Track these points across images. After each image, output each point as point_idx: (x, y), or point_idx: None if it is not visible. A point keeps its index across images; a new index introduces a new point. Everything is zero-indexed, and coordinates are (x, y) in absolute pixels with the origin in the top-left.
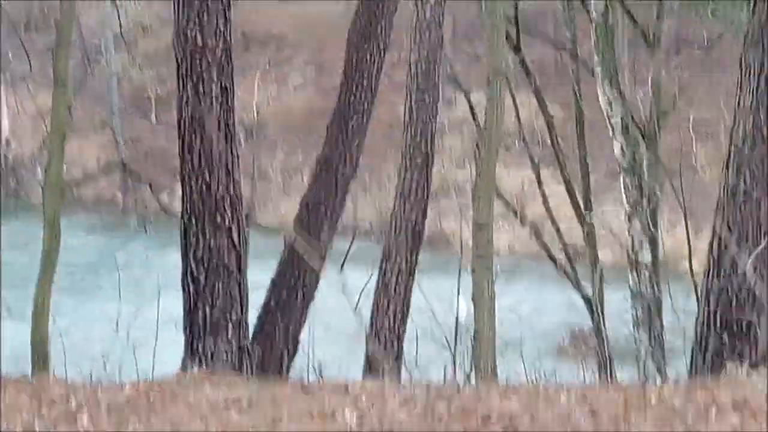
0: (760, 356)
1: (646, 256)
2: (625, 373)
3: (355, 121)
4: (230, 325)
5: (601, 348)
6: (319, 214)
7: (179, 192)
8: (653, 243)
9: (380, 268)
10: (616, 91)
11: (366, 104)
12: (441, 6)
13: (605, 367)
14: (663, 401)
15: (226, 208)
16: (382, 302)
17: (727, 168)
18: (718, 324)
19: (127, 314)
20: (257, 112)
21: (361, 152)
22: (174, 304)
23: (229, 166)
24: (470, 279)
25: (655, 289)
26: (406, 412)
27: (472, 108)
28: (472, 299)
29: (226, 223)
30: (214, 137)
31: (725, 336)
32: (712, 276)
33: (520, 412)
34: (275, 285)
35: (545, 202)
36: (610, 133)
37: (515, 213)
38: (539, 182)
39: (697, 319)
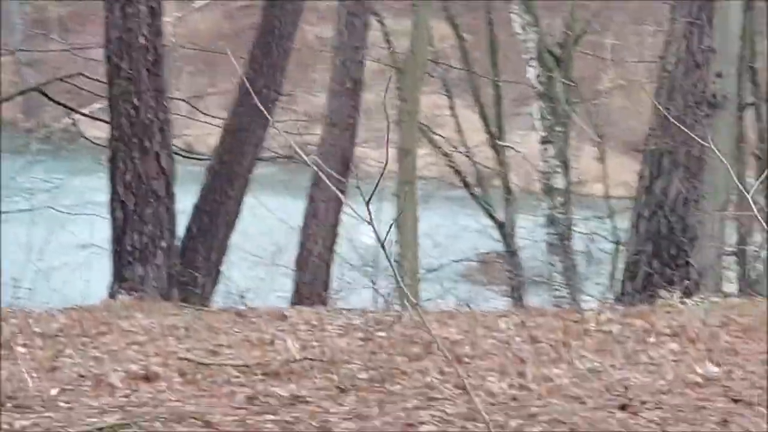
0: (693, 284)
1: (559, 182)
2: (536, 298)
3: (279, 44)
4: (159, 252)
5: (515, 273)
6: (242, 138)
7: (92, 115)
8: (566, 168)
9: (309, 195)
10: (531, 16)
11: (290, 27)
12: None
13: (518, 291)
14: (601, 328)
15: (155, 132)
16: (312, 229)
17: (659, 94)
18: (649, 251)
19: (39, 240)
20: (169, 35)
21: (284, 76)
22: (88, 230)
23: (158, 91)
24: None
25: (568, 214)
26: (347, 340)
27: (387, 34)
28: (396, 224)
29: (155, 148)
30: (143, 60)
31: (655, 263)
32: (643, 203)
33: (460, 338)
34: (197, 211)
35: (458, 127)
36: (525, 59)
37: (429, 139)
38: (452, 108)
39: (626, 245)
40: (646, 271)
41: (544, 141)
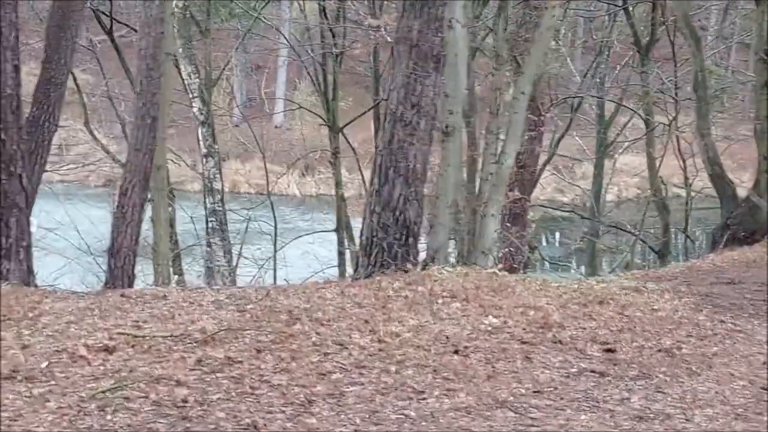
0: (429, 258)
1: (218, 185)
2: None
3: (56, 89)
4: (21, 250)
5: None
6: (31, 161)
7: None
8: (221, 174)
9: (118, 203)
10: (194, 66)
11: (63, 78)
12: (162, 6)
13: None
14: (399, 294)
15: (18, 160)
16: (122, 227)
17: (385, 126)
18: (378, 234)
19: None
20: None
21: (60, 113)
22: None
23: (20, 128)
24: None
25: (224, 207)
26: (227, 313)
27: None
28: (152, 220)
29: (18, 171)
30: (9, 106)
31: (383, 244)
32: (374, 203)
33: (309, 307)
34: None
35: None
36: (190, 96)
37: None
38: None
39: (361, 233)
40: (377, 252)
41: (206, 156)
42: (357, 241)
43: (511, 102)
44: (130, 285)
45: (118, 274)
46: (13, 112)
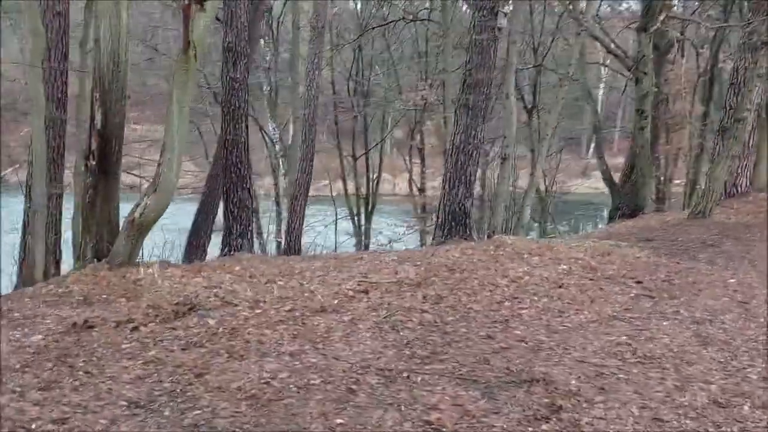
0: (470, 234)
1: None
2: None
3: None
4: (248, 233)
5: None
6: None
7: None
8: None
9: (290, 204)
10: (275, 125)
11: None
12: (313, 108)
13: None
14: (496, 252)
15: (248, 180)
16: (293, 218)
17: (449, 154)
18: (450, 218)
19: None
20: None
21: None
22: None
23: (249, 162)
24: None
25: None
26: (408, 267)
27: None
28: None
29: (247, 186)
30: (243, 152)
31: (452, 223)
32: (445, 198)
33: (452, 262)
34: None
35: None
36: (273, 141)
37: None
38: None
39: (437, 216)
40: (448, 227)
41: (283, 175)
42: (430, 221)
43: (540, 140)
44: (298, 253)
45: (291, 246)
46: (245, 152)
